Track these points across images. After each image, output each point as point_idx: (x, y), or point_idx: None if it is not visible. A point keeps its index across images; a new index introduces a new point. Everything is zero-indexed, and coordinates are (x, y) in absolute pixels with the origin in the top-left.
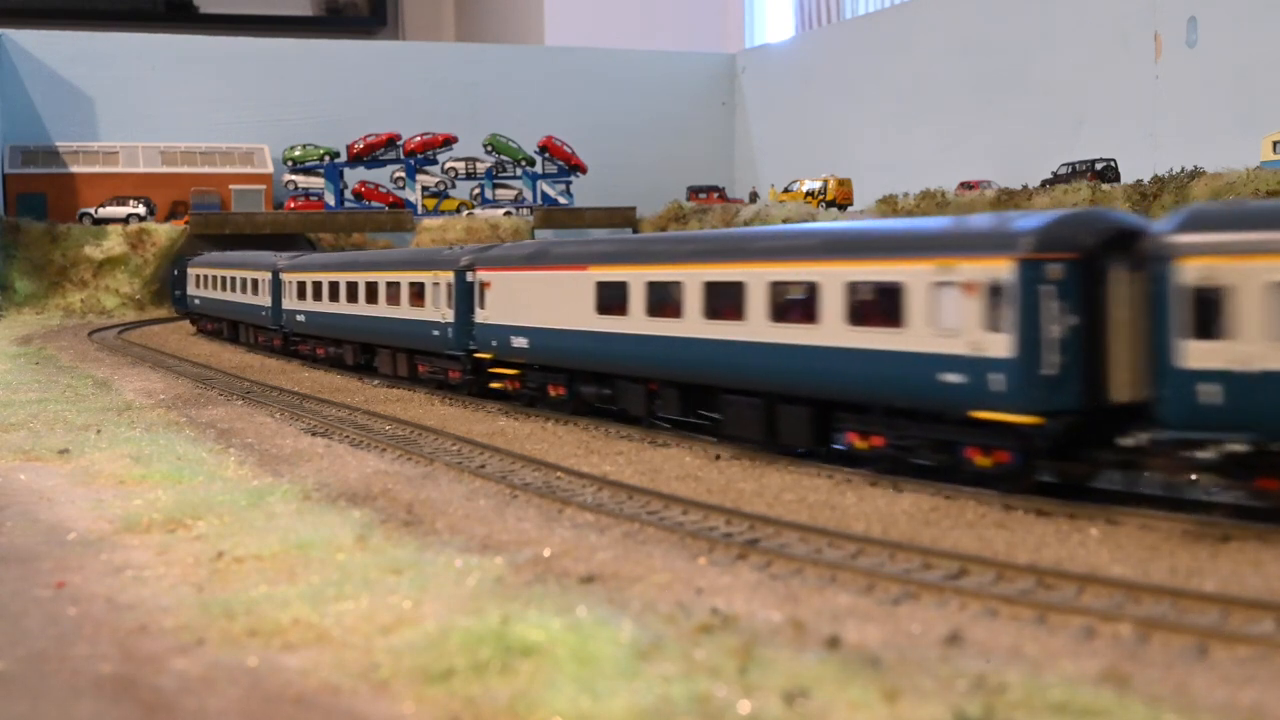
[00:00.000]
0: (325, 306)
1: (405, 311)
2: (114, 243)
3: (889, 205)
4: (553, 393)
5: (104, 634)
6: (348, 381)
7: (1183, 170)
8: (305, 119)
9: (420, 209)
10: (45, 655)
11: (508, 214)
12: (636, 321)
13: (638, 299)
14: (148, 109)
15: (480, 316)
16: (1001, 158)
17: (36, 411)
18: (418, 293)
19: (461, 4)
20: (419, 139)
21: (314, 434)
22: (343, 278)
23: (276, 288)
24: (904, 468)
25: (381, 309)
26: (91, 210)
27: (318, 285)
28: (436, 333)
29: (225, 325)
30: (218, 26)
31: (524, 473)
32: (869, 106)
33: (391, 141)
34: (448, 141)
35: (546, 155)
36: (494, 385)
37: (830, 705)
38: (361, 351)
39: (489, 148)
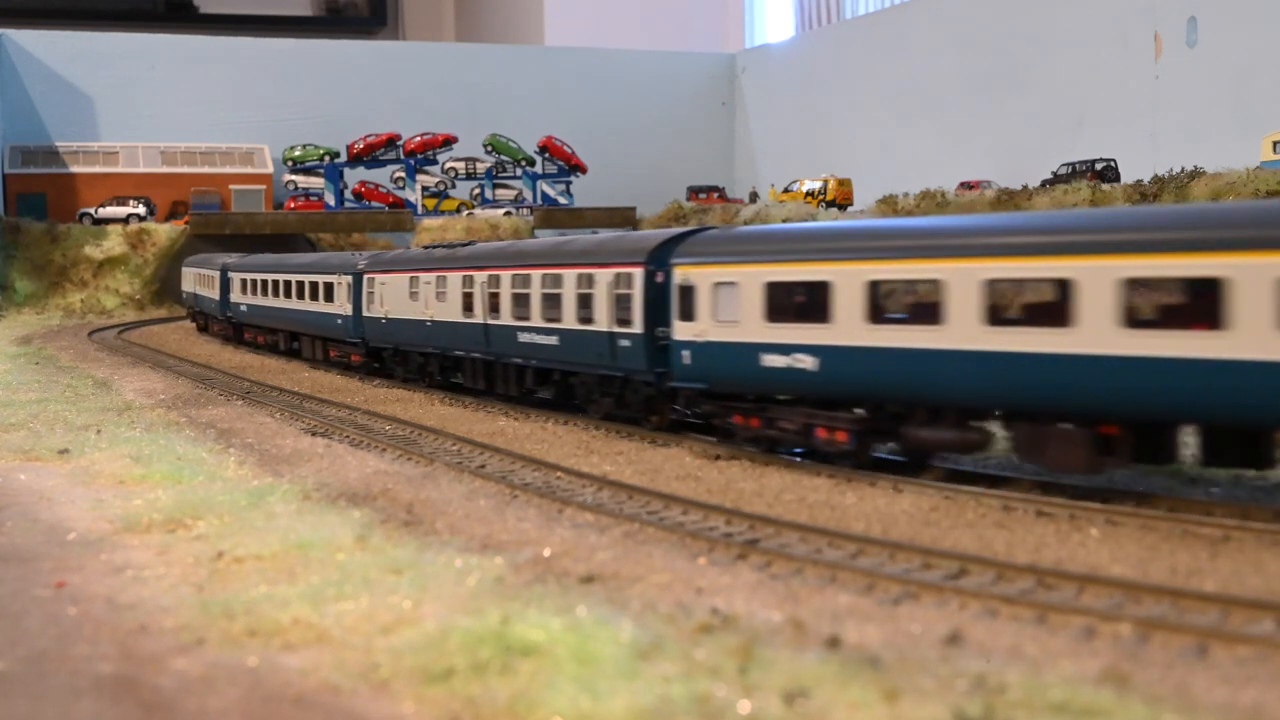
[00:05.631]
0: (261, 300)
1: (320, 306)
2: (114, 243)
3: (889, 205)
4: (403, 368)
5: (104, 634)
6: (348, 381)
7: (1183, 170)
8: (305, 119)
9: (420, 209)
10: (45, 655)
11: (508, 214)
12: (432, 310)
13: (429, 293)
14: (148, 109)
15: (367, 310)
16: (1001, 158)
17: (36, 411)
18: (329, 291)
19: (461, 4)
20: (419, 139)
21: (314, 434)
22: (275, 276)
23: (225, 283)
24: (568, 407)
25: (304, 304)
26: (91, 210)
27: (256, 282)
28: (340, 323)
29: (196, 315)
30: (218, 26)
31: (524, 473)
32: (869, 106)
33: (391, 141)
34: (448, 141)
35: (546, 155)
36: (376, 364)
37: (830, 705)
38: (290, 338)
39: (489, 148)
